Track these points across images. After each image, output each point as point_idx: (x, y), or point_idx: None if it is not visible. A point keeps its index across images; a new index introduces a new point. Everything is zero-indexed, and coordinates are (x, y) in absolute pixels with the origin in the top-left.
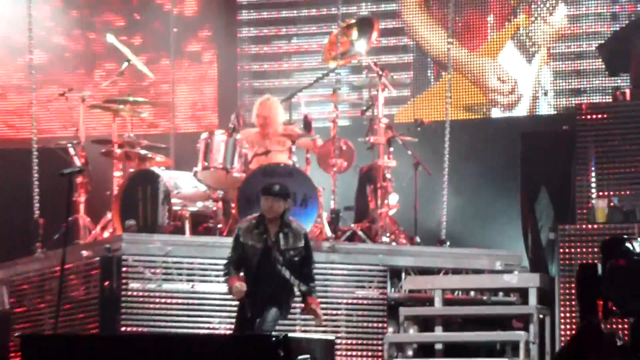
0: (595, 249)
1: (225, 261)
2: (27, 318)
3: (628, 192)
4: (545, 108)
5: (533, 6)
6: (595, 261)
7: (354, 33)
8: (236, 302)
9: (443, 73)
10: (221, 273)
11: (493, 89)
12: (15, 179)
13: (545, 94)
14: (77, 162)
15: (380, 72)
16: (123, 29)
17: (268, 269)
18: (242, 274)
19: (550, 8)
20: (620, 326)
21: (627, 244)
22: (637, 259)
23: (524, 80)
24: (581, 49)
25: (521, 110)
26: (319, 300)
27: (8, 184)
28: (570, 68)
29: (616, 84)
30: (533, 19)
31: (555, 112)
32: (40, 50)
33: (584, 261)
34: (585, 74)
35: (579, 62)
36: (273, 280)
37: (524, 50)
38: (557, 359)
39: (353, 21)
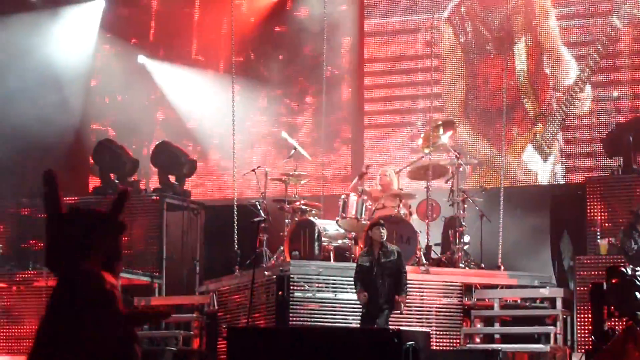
0: (601, 272)
1: (353, 278)
2: (229, 317)
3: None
4: (565, 178)
5: (548, 118)
6: (602, 280)
7: (441, 130)
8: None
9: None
10: (353, 286)
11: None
12: (222, 224)
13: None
14: (262, 214)
15: (457, 156)
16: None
17: (373, 277)
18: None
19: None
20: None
21: (622, 269)
22: (628, 278)
23: (541, 171)
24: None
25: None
26: (416, 304)
27: (216, 227)
28: (580, 151)
29: (612, 163)
30: (547, 127)
31: (575, 182)
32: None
33: (594, 280)
34: (594, 154)
35: (588, 146)
36: (380, 287)
37: (541, 151)
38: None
39: (440, 122)
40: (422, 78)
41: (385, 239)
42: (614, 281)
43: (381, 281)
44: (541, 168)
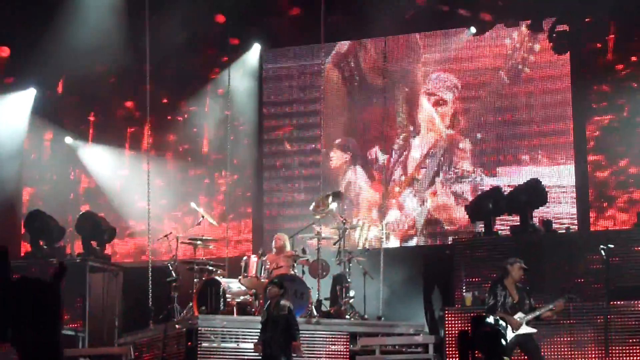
0: (466, 321)
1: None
2: None
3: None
4: (432, 241)
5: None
6: (467, 328)
7: (330, 199)
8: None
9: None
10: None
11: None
12: (138, 284)
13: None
14: (174, 274)
15: (344, 222)
16: None
17: (267, 329)
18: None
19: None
20: None
21: (485, 320)
22: (494, 327)
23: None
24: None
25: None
26: (308, 351)
27: (133, 286)
28: (446, 216)
29: (475, 227)
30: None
31: (442, 244)
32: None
33: (461, 328)
34: (456, 221)
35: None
36: (276, 336)
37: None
38: None
39: (329, 193)
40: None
41: (279, 295)
42: (484, 329)
43: (275, 334)
44: (417, 228)
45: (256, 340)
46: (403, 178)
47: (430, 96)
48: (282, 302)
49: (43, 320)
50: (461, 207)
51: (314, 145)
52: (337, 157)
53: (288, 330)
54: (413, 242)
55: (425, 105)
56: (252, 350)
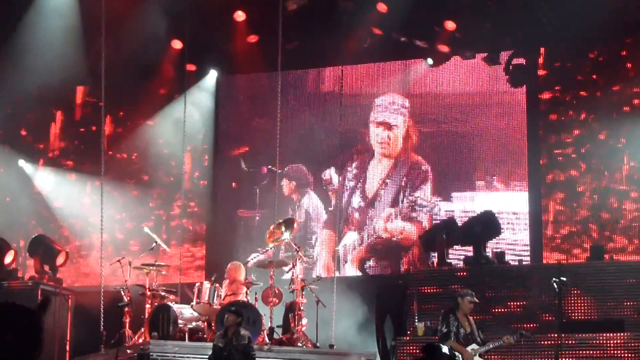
0: (418, 350)
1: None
2: None
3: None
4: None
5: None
6: (419, 356)
7: (283, 227)
8: None
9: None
10: None
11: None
12: (89, 308)
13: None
14: (126, 299)
15: (297, 249)
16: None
17: (228, 358)
18: None
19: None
20: None
21: (440, 349)
22: (449, 355)
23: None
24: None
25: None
26: None
27: (85, 310)
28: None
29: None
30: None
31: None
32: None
33: (412, 357)
34: (411, 248)
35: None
36: None
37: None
38: None
39: (282, 221)
40: None
41: (236, 324)
42: (439, 358)
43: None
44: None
45: None
46: (363, 204)
47: (384, 121)
48: (243, 332)
49: (23, 349)
50: (416, 234)
51: (270, 167)
52: (285, 185)
53: (245, 359)
54: (367, 265)
55: (380, 130)
56: None
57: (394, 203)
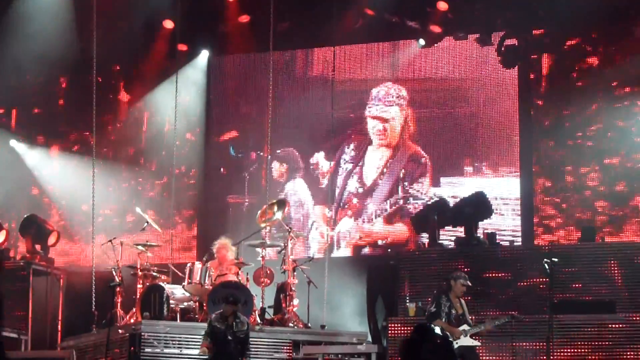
0: (409, 331)
1: (203, 334)
2: None
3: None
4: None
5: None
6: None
7: (275, 208)
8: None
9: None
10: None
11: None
12: (81, 288)
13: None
14: (117, 279)
15: (289, 230)
16: None
17: (227, 341)
18: (209, 341)
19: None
20: None
21: (433, 330)
22: (442, 337)
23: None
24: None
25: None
26: (251, 358)
27: (76, 290)
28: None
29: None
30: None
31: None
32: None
33: (403, 338)
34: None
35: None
36: (230, 348)
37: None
38: None
39: (274, 201)
40: None
41: (235, 311)
42: (434, 339)
43: (233, 345)
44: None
45: (201, 342)
46: (361, 190)
47: (378, 106)
48: (242, 317)
49: None
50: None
51: (259, 152)
52: (275, 169)
53: (244, 346)
54: (362, 252)
55: (376, 122)
56: (195, 356)
57: (391, 194)
